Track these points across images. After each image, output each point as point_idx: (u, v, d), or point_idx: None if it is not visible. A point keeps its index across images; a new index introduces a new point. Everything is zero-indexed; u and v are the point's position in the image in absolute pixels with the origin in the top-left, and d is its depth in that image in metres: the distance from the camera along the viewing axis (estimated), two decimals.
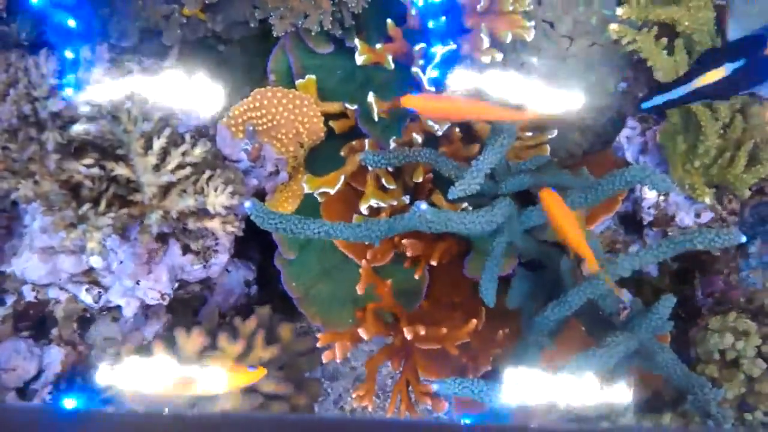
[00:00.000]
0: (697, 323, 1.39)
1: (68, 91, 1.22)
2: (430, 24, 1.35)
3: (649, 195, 1.41)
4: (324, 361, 1.36)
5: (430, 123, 1.31)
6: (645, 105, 1.02)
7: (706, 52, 1.03)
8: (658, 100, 1.01)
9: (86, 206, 1.20)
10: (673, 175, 1.37)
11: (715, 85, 0.99)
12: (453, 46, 1.31)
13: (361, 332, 1.31)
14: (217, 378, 1.22)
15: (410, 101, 1.15)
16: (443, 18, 1.34)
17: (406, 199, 1.35)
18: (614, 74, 1.41)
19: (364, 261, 1.34)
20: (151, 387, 1.23)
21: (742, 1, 1.20)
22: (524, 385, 1.17)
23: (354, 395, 1.33)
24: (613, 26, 1.32)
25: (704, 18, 1.33)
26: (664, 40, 1.33)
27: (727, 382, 1.29)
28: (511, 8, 1.26)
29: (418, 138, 1.32)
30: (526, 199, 1.36)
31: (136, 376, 1.27)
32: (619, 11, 1.32)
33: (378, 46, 1.33)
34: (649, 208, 1.42)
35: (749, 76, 1.00)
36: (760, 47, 0.96)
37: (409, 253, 1.37)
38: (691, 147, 1.36)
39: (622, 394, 1.19)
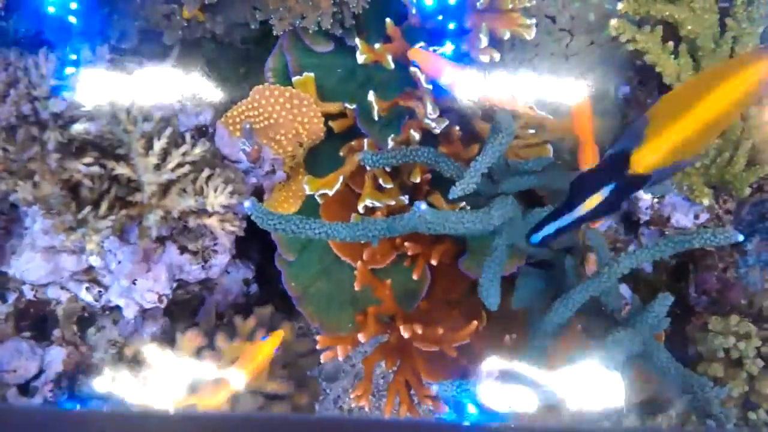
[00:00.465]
0: (692, 321, 1.39)
1: (68, 91, 1.22)
2: (430, 23, 1.35)
3: (645, 196, 1.41)
4: (322, 362, 1.36)
5: (428, 121, 1.31)
6: (534, 238, 1.02)
7: (582, 177, 1.02)
8: (548, 230, 1.00)
9: (86, 210, 1.20)
10: (672, 177, 1.37)
11: (596, 209, 0.98)
12: (452, 46, 1.31)
13: (360, 337, 1.31)
14: (240, 370, 1.22)
15: (417, 55, 1.13)
16: (442, 17, 1.34)
17: (405, 198, 1.35)
18: (616, 77, 1.41)
19: (359, 262, 1.34)
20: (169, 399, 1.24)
21: None
22: (525, 386, 1.17)
23: (353, 395, 1.33)
24: (613, 22, 1.31)
25: (708, 22, 1.33)
26: (671, 45, 1.32)
27: (731, 380, 1.29)
28: (510, 6, 1.26)
29: (416, 135, 1.32)
30: (530, 199, 1.36)
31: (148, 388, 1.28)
32: (619, 6, 1.31)
33: (377, 45, 1.33)
34: (646, 208, 1.42)
35: (622, 196, 0.99)
36: (624, 165, 0.95)
37: (409, 253, 1.37)
38: None
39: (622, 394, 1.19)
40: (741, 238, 1.17)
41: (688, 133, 0.95)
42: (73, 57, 1.28)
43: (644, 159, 0.94)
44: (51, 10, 1.30)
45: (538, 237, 1.02)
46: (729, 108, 0.95)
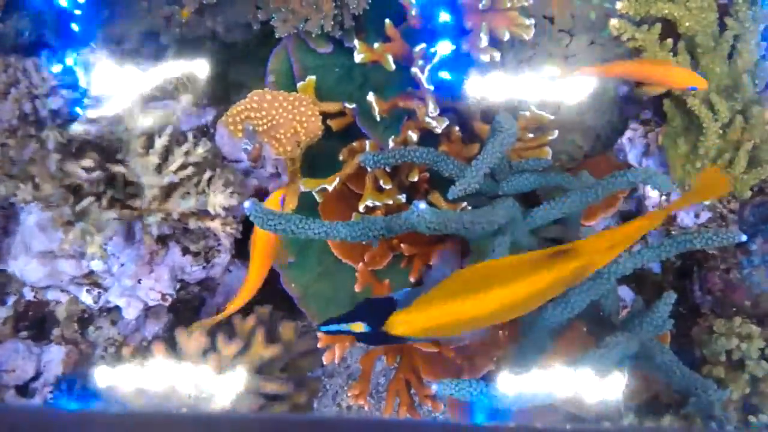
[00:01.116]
0: (698, 322, 1.38)
1: (68, 91, 1.23)
2: (430, 24, 1.35)
3: (653, 195, 1.41)
4: (325, 363, 1.36)
5: (428, 120, 1.31)
6: (322, 328, 1.05)
7: (362, 302, 1.06)
8: (332, 328, 1.03)
9: (86, 200, 1.20)
10: (673, 176, 1.37)
11: (358, 335, 1.01)
12: (452, 46, 1.31)
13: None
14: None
15: None
16: (442, 17, 1.34)
17: (402, 197, 1.35)
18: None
19: (360, 264, 1.34)
20: None
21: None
22: (523, 385, 1.17)
23: (350, 393, 1.33)
24: (614, 22, 1.31)
25: (707, 20, 1.32)
26: (669, 42, 1.32)
27: (732, 383, 1.28)
28: (509, 5, 1.26)
29: (413, 136, 1.31)
30: (528, 199, 1.35)
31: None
32: (618, 5, 1.31)
33: (376, 45, 1.33)
34: (652, 207, 1.42)
35: (375, 340, 1.02)
36: (383, 317, 0.97)
37: (405, 254, 1.36)
38: (691, 148, 1.35)
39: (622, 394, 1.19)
40: (744, 238, 1.16)
41: (444, 321, 0.96)
42: (74, 58, 1.29)
43: (398, 325, 0.96)
44: (51, 11, 1.31)
45: (324, 328, 1.05)
46: (499, 308, 0.96)
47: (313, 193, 1.36)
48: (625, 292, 1.43)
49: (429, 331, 0.98)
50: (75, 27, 1.33)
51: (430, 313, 0.95)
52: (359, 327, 1.00)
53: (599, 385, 1.16)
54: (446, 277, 0.98)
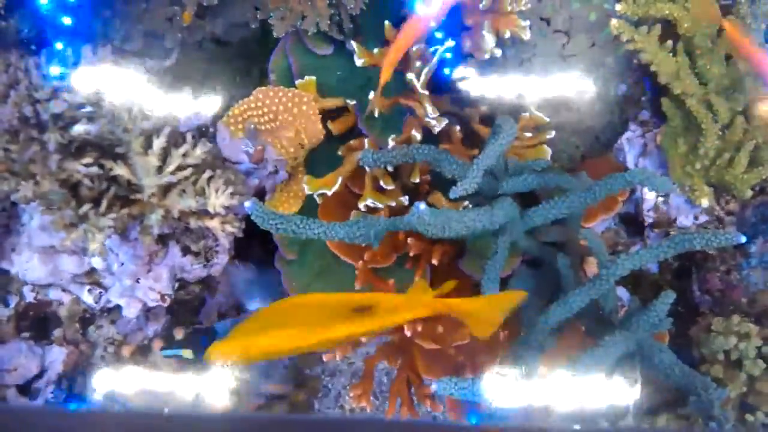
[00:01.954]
0: (697, 322, 1.38)
1: (70, 92, 1.23)
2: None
3: (649, 197, 1.41)
4: (325, 360, 1.36)
5: (428, 120, 1.31)
6: (162, 352, 1.13)
7: (199, 330, 1.17)
8: (169, 353, 1.10)
9: (87, 206, 1.21)
10: (672, 177, 1.37)
11: (189, 361, 1.09)
12: (451, 43, 1.31)
13: (363, 339, 1.31)
14: None
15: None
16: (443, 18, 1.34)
17: (405, 200, 1.35)
18: (613, 76, 1.41)
19: (360, 262, 1.34)
20: None
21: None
22: (523, 385, 1.17)
23: (352, 394, 1.33)
24: (614, 22, 1.31)
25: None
26: (669, 43, 1.32)
27: (730, 382, 1.29)
28: (509, 8, 1.26)
29: (417, 135, 1.32)
30: (527, 199, 1.35)
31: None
32: (618, 6, 1.31)
33: (376, 50, 1.33)
34: (649, 210, 1.42)
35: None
36: (205, 347, 1.04)
37: (411, 253, 1.36)
38: (691, 148, 1.35)
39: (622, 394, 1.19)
40: (743, 239, 1.17)
41: (251, 353, 1.06)
42: (75, 58, 1.29)
43: (214, 355, 1.04)
44: (53, 10, 1.30)
45: (164, 353, 1.12)
46: (295, 348, 1.07)
47: (315, 196, 1.37)
48: (621, 293, 1.43)
49: (244, 360, 1.12)
50: (77, 27, 1.32)
51: (239, 344, 1.04)
52: (189, 354, 1.06)
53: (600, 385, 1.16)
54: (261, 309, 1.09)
